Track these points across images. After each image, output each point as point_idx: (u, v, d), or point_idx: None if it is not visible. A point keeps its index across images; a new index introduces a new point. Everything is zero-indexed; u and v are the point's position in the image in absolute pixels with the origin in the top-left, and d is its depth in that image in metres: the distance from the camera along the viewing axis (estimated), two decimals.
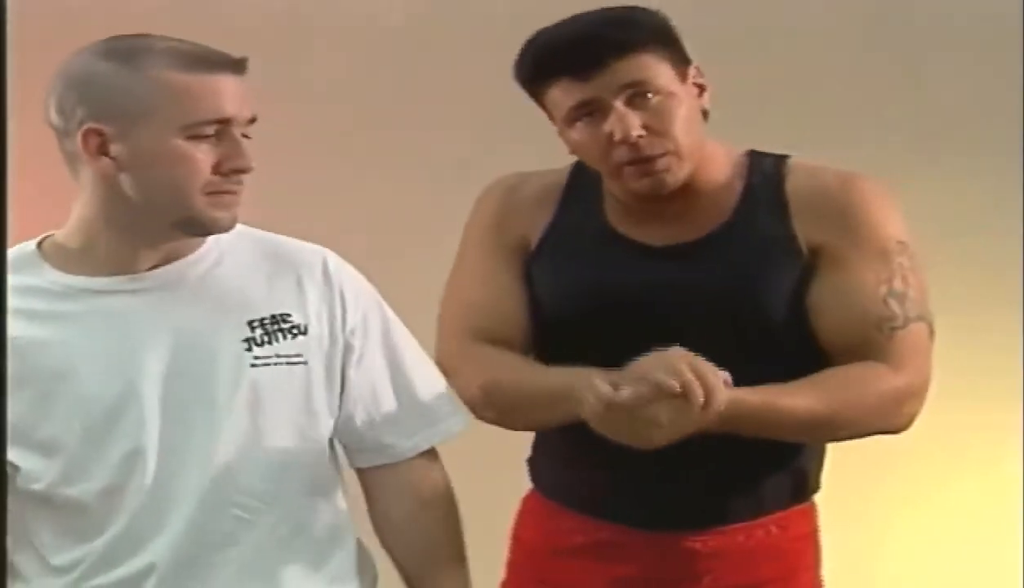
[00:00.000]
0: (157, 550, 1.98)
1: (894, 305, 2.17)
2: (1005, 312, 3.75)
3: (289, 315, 2.05)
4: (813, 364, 2.19)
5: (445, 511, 2.16)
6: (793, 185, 2.23)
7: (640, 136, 2.14)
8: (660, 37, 2.17)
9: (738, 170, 2.27)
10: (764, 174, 2.26)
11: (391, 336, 2.14)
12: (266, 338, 2.02)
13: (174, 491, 1.98)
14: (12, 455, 1.92)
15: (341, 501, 2.14)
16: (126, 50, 1.93)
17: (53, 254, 2.03)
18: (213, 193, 1.94)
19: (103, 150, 1.92)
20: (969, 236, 3.75)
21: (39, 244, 2.06)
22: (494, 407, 2.19)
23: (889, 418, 2.16)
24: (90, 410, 1.97)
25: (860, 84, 3.83)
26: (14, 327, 1.83)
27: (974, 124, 3.80)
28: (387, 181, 3.79)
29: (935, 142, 3.79)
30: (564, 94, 2.17)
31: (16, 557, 2.01)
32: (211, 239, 2.05)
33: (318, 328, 2.06)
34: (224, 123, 1.93)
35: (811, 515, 2.36)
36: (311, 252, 2.12)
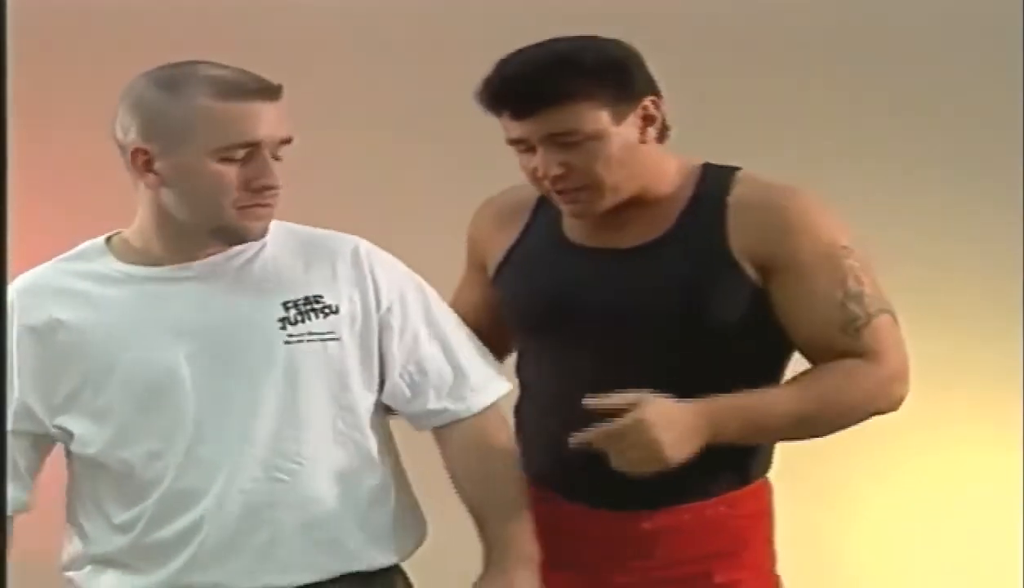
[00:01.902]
0: (207, 505, 2.20)
1: (853, 307, 2.24)
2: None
3: (321, 296, 2.26)
4: (764, 368, 2.31)
5: (504, 462, 2.35)
6: (735, 197, 2.29)
7: (558, 175, 2.26)
8: (601, 82, 2.24)
9: (689, 180, 2.35)
10: (710, 185, 2.32)
11: (432, 312, 2.35)
12: (299, 317, 2.24)
13: (216, 455, 2.20)
14: (67, 421, 2.22)
15: (382, 463, 2.32)
16: (172, 78, 2.18)
17: (118, 247, 2.30)
18: (244, 207, 2.18)
19: (149, 167, 2.19)
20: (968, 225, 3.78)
21: (108, 239, 2.32)
22: None
23: (878, 403, 2.26)
24: (137, 381, 2.21)
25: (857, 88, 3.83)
26: (75, 307, 2.20)
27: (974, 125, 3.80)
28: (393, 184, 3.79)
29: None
30: (505, 127, 2.29)
31: (83, 522, 2.28)
32: None
33: (350, 307, 2.27)
34: (254, 146, 2.16)
35: (762, 493, 2.41)
36: (343, 240, 2.34)
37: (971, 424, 3.84)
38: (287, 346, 2.22)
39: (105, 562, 2.26)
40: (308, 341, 2.23)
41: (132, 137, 2.18)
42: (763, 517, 2.41)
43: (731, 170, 2.34)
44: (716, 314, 2.26)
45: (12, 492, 2.17)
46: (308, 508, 2.22)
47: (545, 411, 2.37)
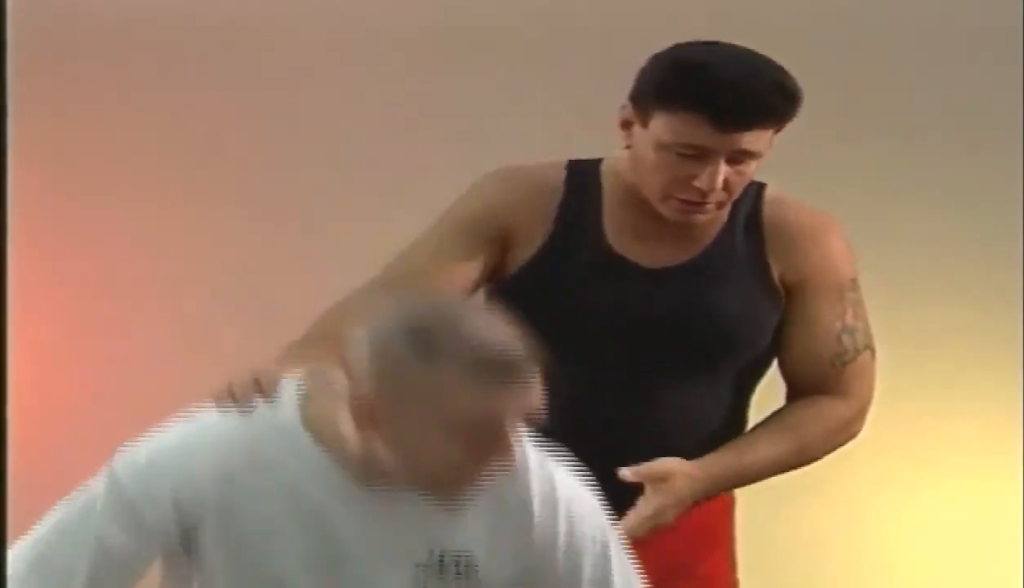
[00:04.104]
0: None
1: (846, 341, 2.31)
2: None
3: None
4: (759, 376, 2.39)
5: None
6: (770, 217, 2.32)
7: (718, 189, 2.21)
8: (796, 111, 2.23)
9: None
10: (743, 202, 2.32)
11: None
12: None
13: None
14: None
15: None
16: (427, 337, 1.84)
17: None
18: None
19: (372, 420, 1.87)
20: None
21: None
22: None
23: (838, 441, 2.37)
24: None
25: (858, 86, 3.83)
26: None
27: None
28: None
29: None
30: (686, 128, 2.17)
31: None
32: None
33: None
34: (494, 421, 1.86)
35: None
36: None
37: (972, 451, 3.81)
38: None
39: None
40: None
41: (366, 384, 1.85)
42: (730, 509, 2.46)
43: (758, 185, 2.33)
44: (759, 339, 2.33)
45: None
46: None
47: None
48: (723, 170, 2.17)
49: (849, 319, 2.31)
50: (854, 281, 2.33)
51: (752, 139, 2.16)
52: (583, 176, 2.34)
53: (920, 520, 3.82)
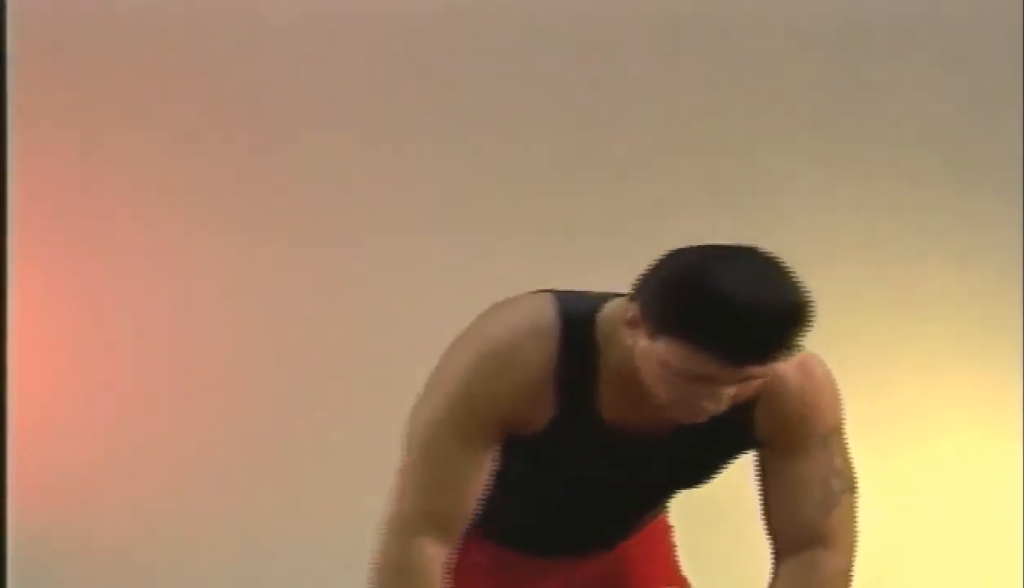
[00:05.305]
0: None
1: (834, 483, 2.28)
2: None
3: None
4: None
5: None
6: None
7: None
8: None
9: None
10: None
11: None
12: None
13: None
14: None
15: None
16: None
17: None
18: None
19: None
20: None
21: None
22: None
23: None
24: None
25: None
26: None
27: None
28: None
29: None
30: (694, 360, 2.05)
31: None
32: None
33: None
34: None
35: None
36: None
37: (970, 410, 3.87)
38: None
39: None
40: None
41: None
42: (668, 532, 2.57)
43: None
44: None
45: None
46: None
47: (533, 507, 2.38)
48: (731, 392, 2.09)
49: (838, 461, 2.27)
50: (839, 426, 2.28)
51: (768, 367, 2.06)
52: (578, 336, 2.21)
53: (919, 478, 3.88)
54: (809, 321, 2.05)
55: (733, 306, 2.00)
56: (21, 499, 3.41)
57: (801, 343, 2.06)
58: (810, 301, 2.05)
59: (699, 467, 2.31)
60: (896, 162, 3.82)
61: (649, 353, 2.08)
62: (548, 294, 2.23)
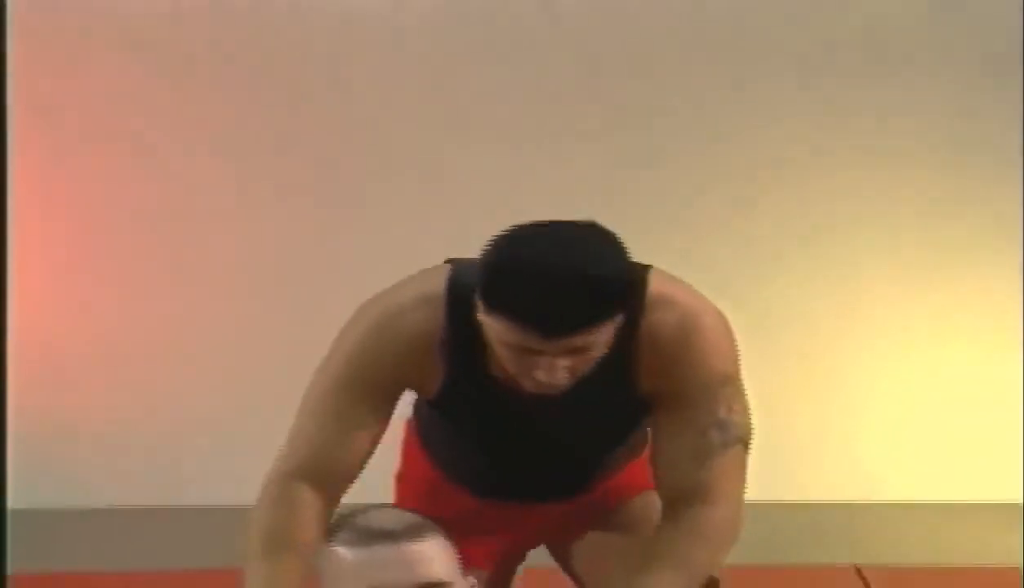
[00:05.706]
0: None
1: (714, 434, 2.26)
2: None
3: None
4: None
5: None
6: (645, 330, 2.25)
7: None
8: (622, 304, 2.14)
9: None
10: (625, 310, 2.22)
11: None
12: None
13: None
14: None
15: None
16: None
17: None
18: None
19: None
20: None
21: None
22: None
23: (726, 550, 2.31)
24: None
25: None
26: None
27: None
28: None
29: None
30: (512, 333, 2.12)
31: None
32: None
33: None
34: None
35: None
36: None
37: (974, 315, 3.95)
38: None
39: None
40: None
41: None
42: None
43: (642, 283, 2.25)
44: (627, 442, 2.40)
45: None
46: None
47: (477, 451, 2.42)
48: (561, 364, 2.12)
49: (722, 412, 2.25)
50: (729, 375, 2.27)
51: (581, 340, 2.10)
52: (464, 304, 2.23)
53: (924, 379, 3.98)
54: (605, 293, 2.08)
55: (522, 276, 2.08)
56: (22, 379, 3.44)
57: (603, 320, 2.07)
58: (609, 275, 2.08)
59: (602, 422, 2.31)
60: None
61: (487, 327, 2.14)
62: (447, 264, 2.28)
